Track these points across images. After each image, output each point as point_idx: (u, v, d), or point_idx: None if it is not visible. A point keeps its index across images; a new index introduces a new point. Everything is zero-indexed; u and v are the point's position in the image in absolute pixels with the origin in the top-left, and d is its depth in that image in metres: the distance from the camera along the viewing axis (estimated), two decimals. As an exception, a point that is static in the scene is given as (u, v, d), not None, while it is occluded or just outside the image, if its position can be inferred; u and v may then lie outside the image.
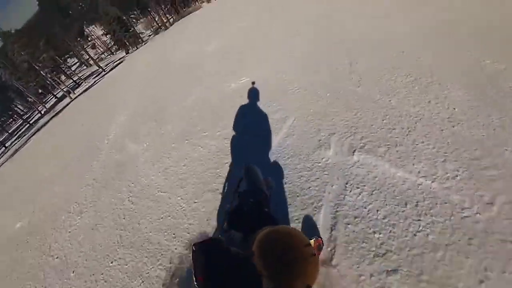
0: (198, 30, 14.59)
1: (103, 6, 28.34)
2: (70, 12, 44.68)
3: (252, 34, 8.18)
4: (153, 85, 8.84)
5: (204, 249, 1.13)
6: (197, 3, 37.30)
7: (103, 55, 42.97)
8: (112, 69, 23.43)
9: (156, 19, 34.78)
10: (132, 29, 29.98)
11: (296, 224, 2.21)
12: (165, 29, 28.77)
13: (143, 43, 29.00)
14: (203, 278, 1.03)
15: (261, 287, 0.92)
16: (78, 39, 42.26)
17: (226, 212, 1.83)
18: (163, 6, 34.49)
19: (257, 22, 9.44)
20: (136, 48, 28.99)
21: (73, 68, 43.69)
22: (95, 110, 10.97)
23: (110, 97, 11.62)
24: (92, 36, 47.39)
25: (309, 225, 2.18)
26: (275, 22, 8.33)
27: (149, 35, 32.77)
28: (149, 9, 34.79)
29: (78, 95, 21.56)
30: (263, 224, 1.30)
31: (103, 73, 24.29)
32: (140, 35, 31.75)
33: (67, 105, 20.35)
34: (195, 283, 1.03)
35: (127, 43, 29.82)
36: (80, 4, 44.03)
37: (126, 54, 29.27)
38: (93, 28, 47.15)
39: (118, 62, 25.63)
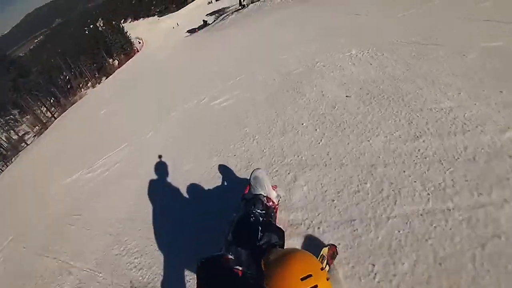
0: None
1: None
2: None
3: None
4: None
5: (209, 266, 1.19)
6: (82, 90, 38.13)
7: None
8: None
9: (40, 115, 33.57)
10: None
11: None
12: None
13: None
14: None
15: None
16: None
17: (232, 221, 1.73)
18: (44, 100, 33.80)
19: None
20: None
21: None
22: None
23: None
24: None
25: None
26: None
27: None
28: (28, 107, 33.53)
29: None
30: (270, 236, 1.46)
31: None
32: (25, 136, 30.07)
33: None
34: None
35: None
36: None
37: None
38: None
39: None
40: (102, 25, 45.33)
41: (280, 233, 1.54)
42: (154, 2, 61.69)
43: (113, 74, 30.59)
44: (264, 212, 1.71)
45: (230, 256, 1.37)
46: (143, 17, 55.36)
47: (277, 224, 1.77)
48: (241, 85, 5.31)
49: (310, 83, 3.87)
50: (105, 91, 21.02)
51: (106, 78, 31.84)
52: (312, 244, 1.90)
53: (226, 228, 1.73)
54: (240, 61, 7.44)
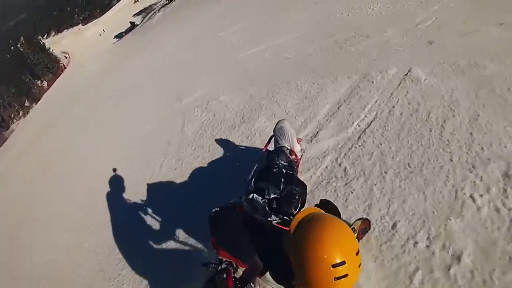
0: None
1: None
2: None
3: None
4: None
5: (220, 214, 1.20)
6: (14, 121, 33.98)
7: None
8: None
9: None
10: None
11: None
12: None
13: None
14: (215, 239, 1.14)
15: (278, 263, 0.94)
16: None
17: (254, 171, 1.73)
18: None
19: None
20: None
21: None
22: None
23: None
24: None
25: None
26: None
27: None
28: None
29: None
30: (292, 189, 1.43)
31: None
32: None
33: None
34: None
35: None
36: None
37: None
38: None
39: None
40: (23, 44, 40.34)
41: (302, 186, 1.54)
42: (76, 10, 56.08)
43: (41, 100, 27.71)
44: (287, 164, 1.67)
45: (245, 205, 1.33)
46: (67, 28, 50.20)
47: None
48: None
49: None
50: (32, 124, 18.77)
51: (35, 104, 28.64)
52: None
53: (247, 178, 1.73)
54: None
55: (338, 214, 1.18)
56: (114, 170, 4.15)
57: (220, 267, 1.11)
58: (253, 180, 1.60)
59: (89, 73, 19.07)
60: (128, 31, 26.75)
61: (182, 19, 13.42)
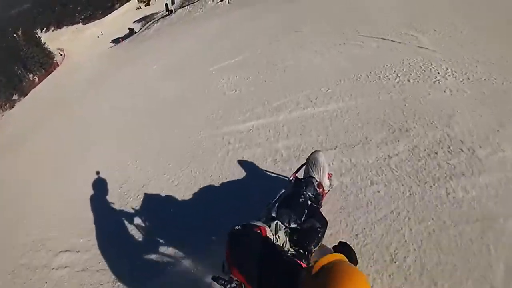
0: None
1: None
2: None
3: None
4: None
5: (241, 233, 1.19)
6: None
7: None
8: None
9: None
10: None
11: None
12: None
13: None
14: (230, 257, 1.14)
15: None
16: None
17: (279, 196, 1.68)
18: None
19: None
20: None
21: None
22: None
23: None
24: None
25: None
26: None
27: None
28: None
29: None
30: (313, 223, 1.45)
31: None
32: None
33: None
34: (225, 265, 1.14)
35: None
36: None
37: None
38: None
39: None
40: (20, 35, 40.09)
41: (324, 222, 1.53)
42: (79, 8, 56.30)
43: (28, 95, 27.28)
44: (313, 196, 1.67)
45: (267, 228, 1.30)
46: (67, 25, 50.22)
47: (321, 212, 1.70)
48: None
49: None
50: (16, 119, 18.19)
51: (23, 98, 28.14)
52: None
53: (271, 201, 1.68)
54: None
55: (355, 260, 1.21)
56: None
57: (229, 286, 1.12)
58: (276, 204, 1.55)
59: (81, 75, 18.96)
60: (125, 37, 27.16)
61: (179, 32, 13.91)
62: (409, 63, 3.73)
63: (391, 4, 5.78)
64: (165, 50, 11.96)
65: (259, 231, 1.27)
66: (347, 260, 0.99)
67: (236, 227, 1.22)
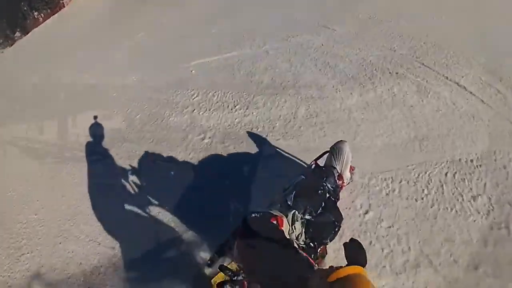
0: None
1: None
2: None
3: None
4: None
5: (257, 223, 1.15)
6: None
7: None
8: None
9: None
10: None
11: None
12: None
13: None
14: (241, 243, 1.09)
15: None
16: None
17: (296, 183, 1.62)
18: None
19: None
20: None
21: None
22: None
23: None
24: None
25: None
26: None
27: None
28: None
29: None
30: (332, 220, 1.41)
31: None
32: None
33: None
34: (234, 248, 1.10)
35: None
36: None
37: None
38: None
39: None
40: (27, -35, 36.65)
41: (340, 218, 1.53)
42: None
43: (29, 34, 24.93)
44: (332, 189, 1.62)
45: (284, 219, 1.28)
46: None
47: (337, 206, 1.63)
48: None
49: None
50: (17, 57, 16.21)
51: (24, 36, 25.80)
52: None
53: (288, 186, 1.67)
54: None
55: (364, 260, 1.03)
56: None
57: (236, 278, 1.07)
58: (294, 192, 1.50)
59: (84, 22, 16.73)
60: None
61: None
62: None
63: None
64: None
65: (275, 222, 1.20)
66: (366, 275, 0.95)
67: (253, 215, 1.18)
